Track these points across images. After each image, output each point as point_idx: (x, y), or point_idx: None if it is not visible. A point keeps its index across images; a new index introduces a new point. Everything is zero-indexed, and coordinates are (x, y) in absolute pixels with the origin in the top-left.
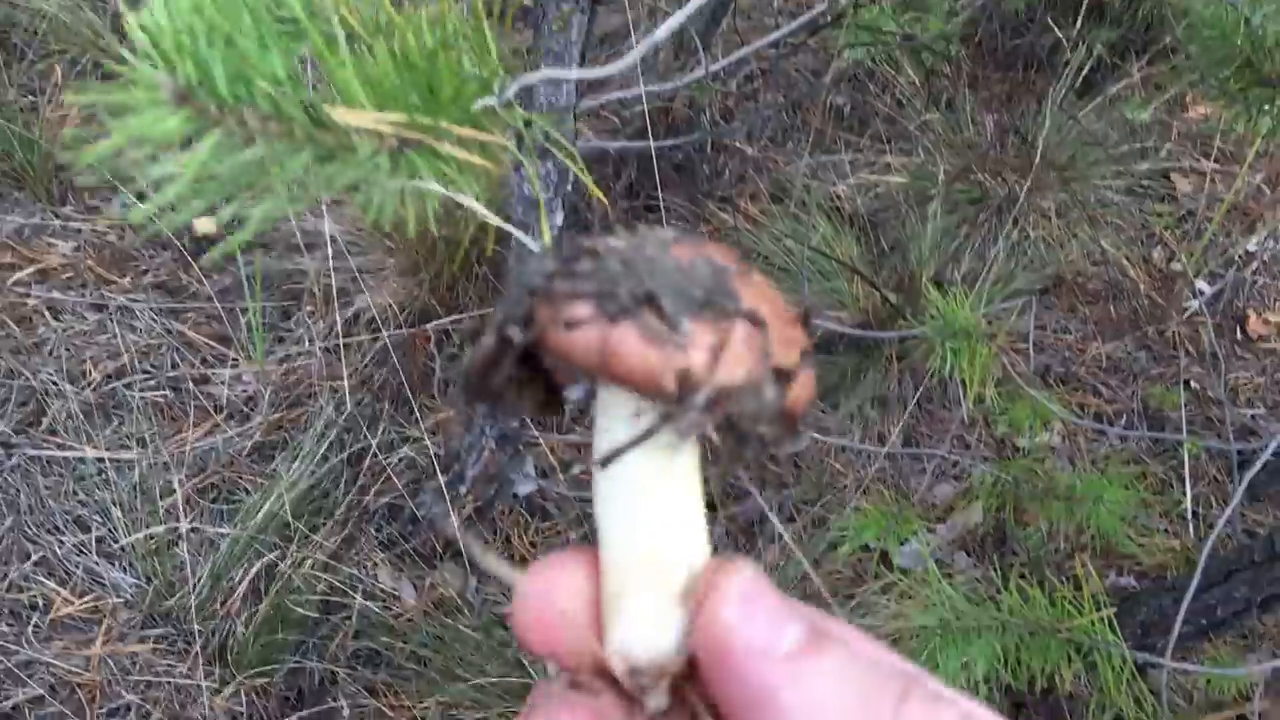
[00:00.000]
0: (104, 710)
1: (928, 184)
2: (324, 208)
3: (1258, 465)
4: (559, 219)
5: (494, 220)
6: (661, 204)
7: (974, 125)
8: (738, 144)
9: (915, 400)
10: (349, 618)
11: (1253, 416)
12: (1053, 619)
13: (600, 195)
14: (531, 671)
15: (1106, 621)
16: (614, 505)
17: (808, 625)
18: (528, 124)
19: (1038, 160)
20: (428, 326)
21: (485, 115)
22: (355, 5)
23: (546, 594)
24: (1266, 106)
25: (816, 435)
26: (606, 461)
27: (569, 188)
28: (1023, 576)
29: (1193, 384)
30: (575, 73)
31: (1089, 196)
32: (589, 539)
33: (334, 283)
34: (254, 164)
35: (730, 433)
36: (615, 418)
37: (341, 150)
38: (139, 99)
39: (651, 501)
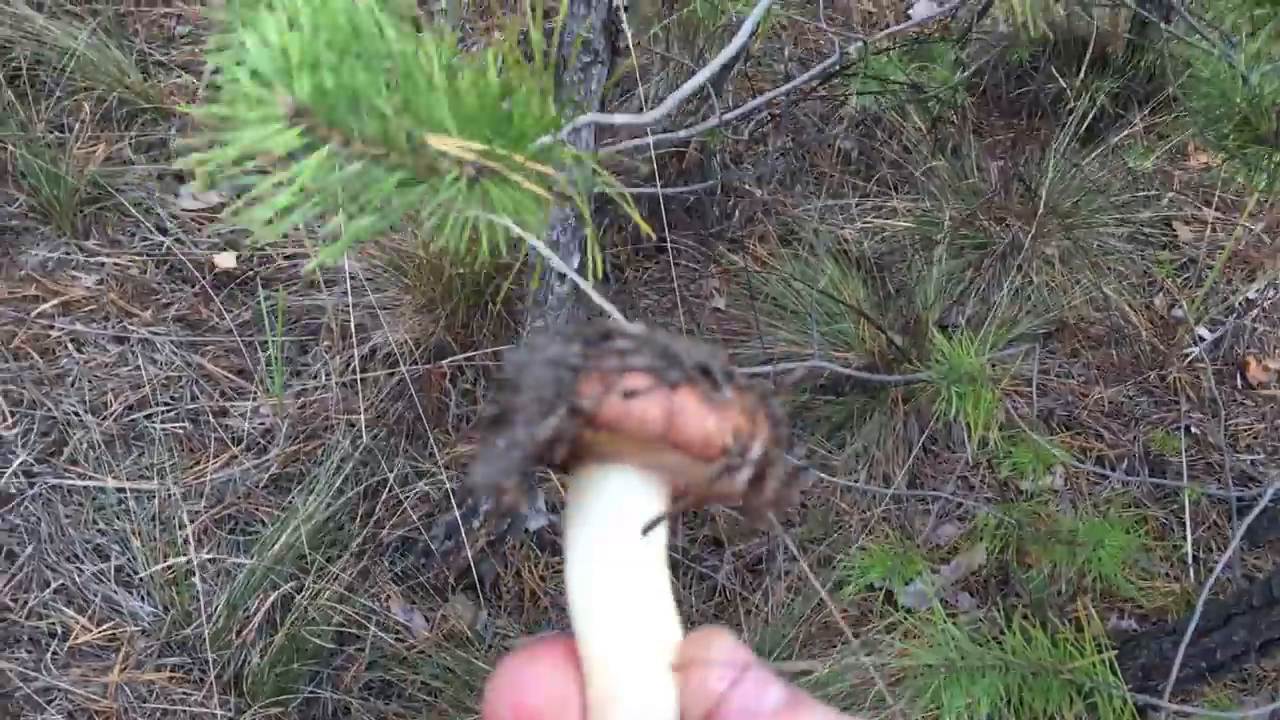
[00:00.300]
0: None
1: (933, 229)
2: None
3: (1256, 510)
4: (575, 261)
5: (545, 251)
6: (670, 245)
7: (979, 171)
8: (747, 186)
9: (920, 443)
10: (363, 649)
11: (1252, 462)
12: (1055, 660)
13: (646, 229)
14: None
15: (1108, 663)
16: (602, 596)
17: (784, 687)
18: (578, 161)
19: (1041, 207)
20: (443, 363)
21: (545, 152)
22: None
23: (518, 691)
24: (1264, 163)
25: (823, 475)
26: (648, 529)
27: (586, 231)
28: (1025, 618)
29: (1193, 429)
30: (621, 118)
31: (1092, 243)
32: None
33: (352, 318)
34: (354, 180)
35: (756, 490)
36: (603, 506)
37: (428, 173)
38: (249, 115)
39: (640, 586)
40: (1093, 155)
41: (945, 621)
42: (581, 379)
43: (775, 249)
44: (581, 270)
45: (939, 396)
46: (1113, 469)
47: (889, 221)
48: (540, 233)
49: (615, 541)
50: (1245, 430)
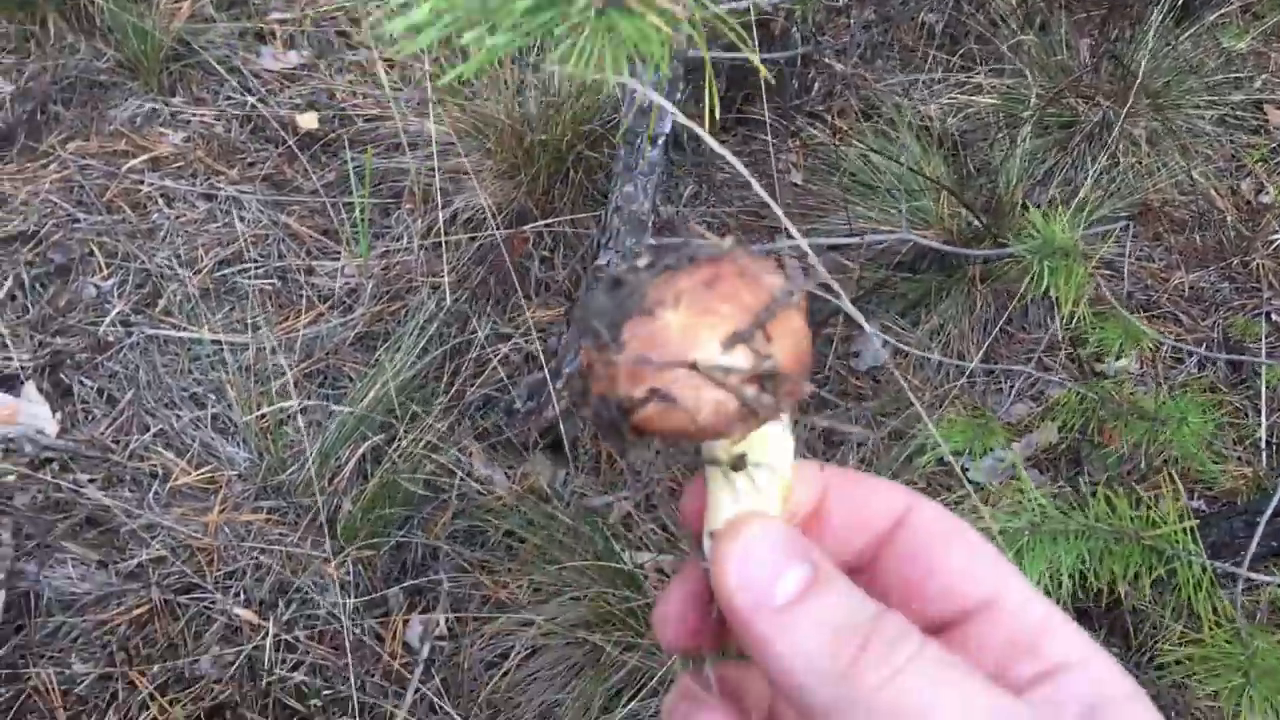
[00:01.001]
0: (221, 572)
1: (1019, 106)
2: (430, 106)
3: None
4: (667, 124)
5: (654, 96)
6: (749, 118)
7: (1068, 48)
8: (827, 60)
9: (998, 324)
10: (448, 500)
11: None
12: (1137, 527)
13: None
14: (622, 558)
15: (1189, 532)
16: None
17: (801, 576)
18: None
19: (1132, 86)
20: (525, 228)
21: None
22: None
23: (670, 609)
24: None
25: (901, 346)
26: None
27: (678, 95)
28: (1108, 487)
29: (1274, 316)
30: None
31: (1181, 125)
32: None
33: (436, 182)
34: (487, 1)
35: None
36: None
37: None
38: None
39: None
40: (1186, 34)
41: (1032, 488)
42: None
43: (855, 124)
44: (669, 138)
45: (1026, 272)
46: (1191, 354)
47: (973, 98)
48: (663, 64)
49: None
50: None
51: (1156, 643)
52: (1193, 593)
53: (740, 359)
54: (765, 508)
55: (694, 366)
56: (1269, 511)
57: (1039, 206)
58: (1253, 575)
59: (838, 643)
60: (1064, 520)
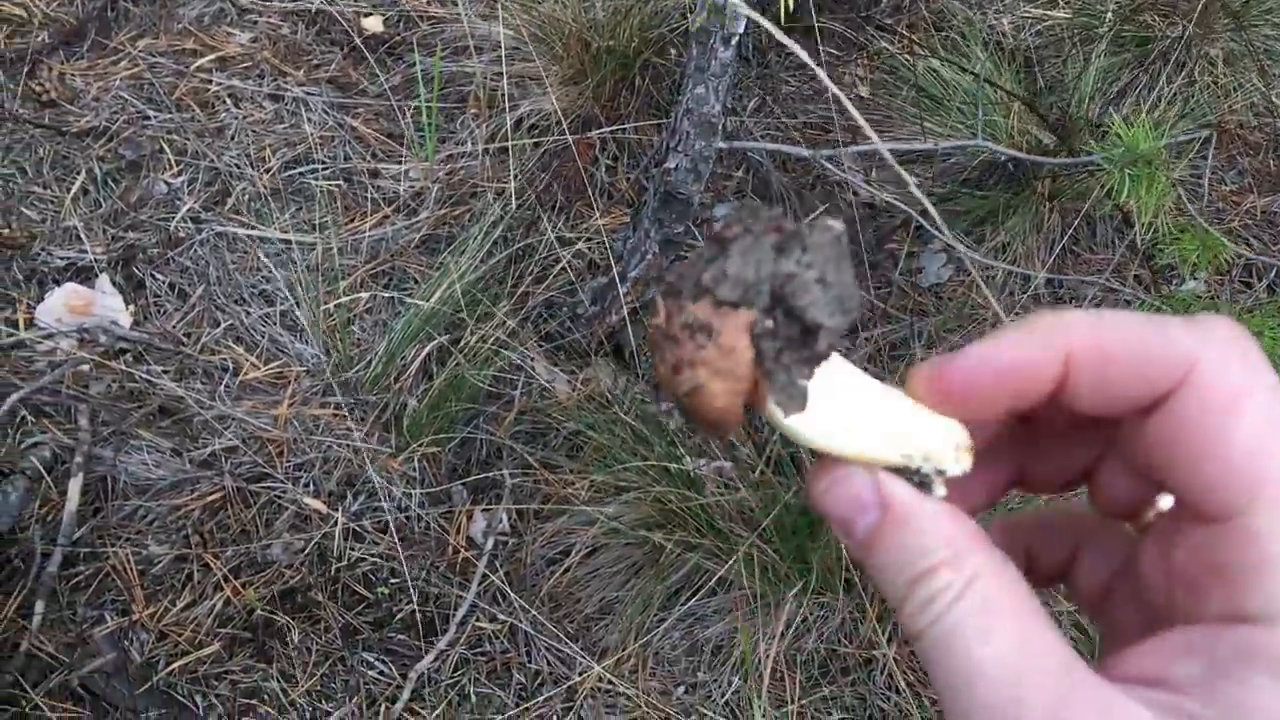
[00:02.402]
0: (291, 464)
1: (1094, 22)
2: (499, 9)
3: None
4: (741, 25)
5: None
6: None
7: None
8: None
9: (1065, 241)
10: (512, 401)
11: None
12: None
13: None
14: (674, 460)
15: None
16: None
17: (877, 512)
18: None
19: (1212, 4)
20: (591, 134)
21: None
22: None
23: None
24: None
25: (969, 255)
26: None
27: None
28: None
29: None
30: None
31: (1260, 45)
32: None
33: (503, 86)
34: None
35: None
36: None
37: None
38: None
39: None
40: None
41: None
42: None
43: (925, 37)
44: (741, 42)
45: (1102, 185)
46: (1260, 278)
47: (1048, 12)
48: None
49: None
50: None
51: None
52: None
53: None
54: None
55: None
56: None
57: (1112, 125)
58: None
59: (890, 590)
60: None
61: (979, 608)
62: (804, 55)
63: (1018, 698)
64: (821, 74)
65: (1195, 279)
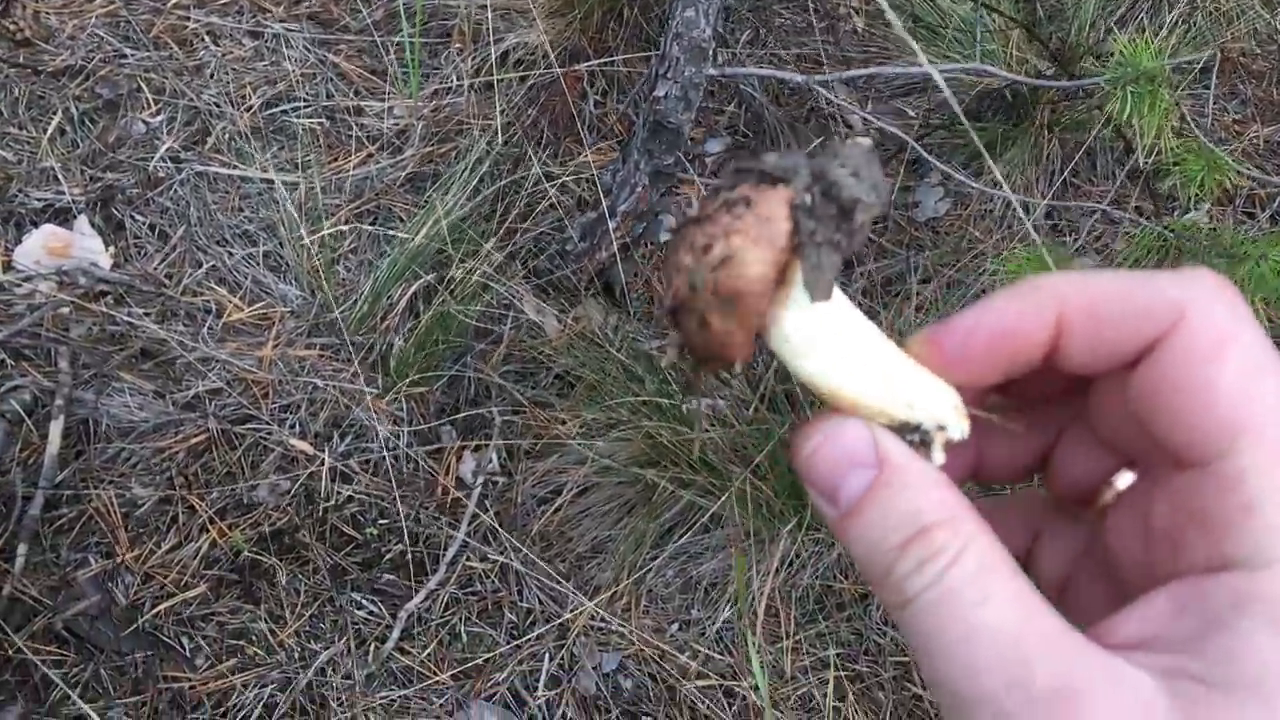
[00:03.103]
0: (276, 405)
1: None
2: None
3: None
4: None
5: None
6: None
7: None
8: None
9: (1061, 169)
10: (502, 337)
11: None
12: None
13: None
14: (667, 396)
15: None
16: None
17: (870, 473)
18: None
19: None
20: (578, 68)
21: None
22: None
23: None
24: None
25: (972, 185)
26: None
27: None
28: None
29: None
30: None
31: None
32: None
33: (487, 20)
34: None
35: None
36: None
37: None
38: None
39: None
40: None
41: None
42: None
43: None
44: None
45: (1103, 109)
46: (1263, 209)
47: None
48: None
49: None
50: None
51: None
52: None
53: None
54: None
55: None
56: None
57: (1111, 55)
58: None
59: (876, 558)
60: None
61: (975, 570)
62: None
63: (1023, 659)
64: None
65: (1197, 209)
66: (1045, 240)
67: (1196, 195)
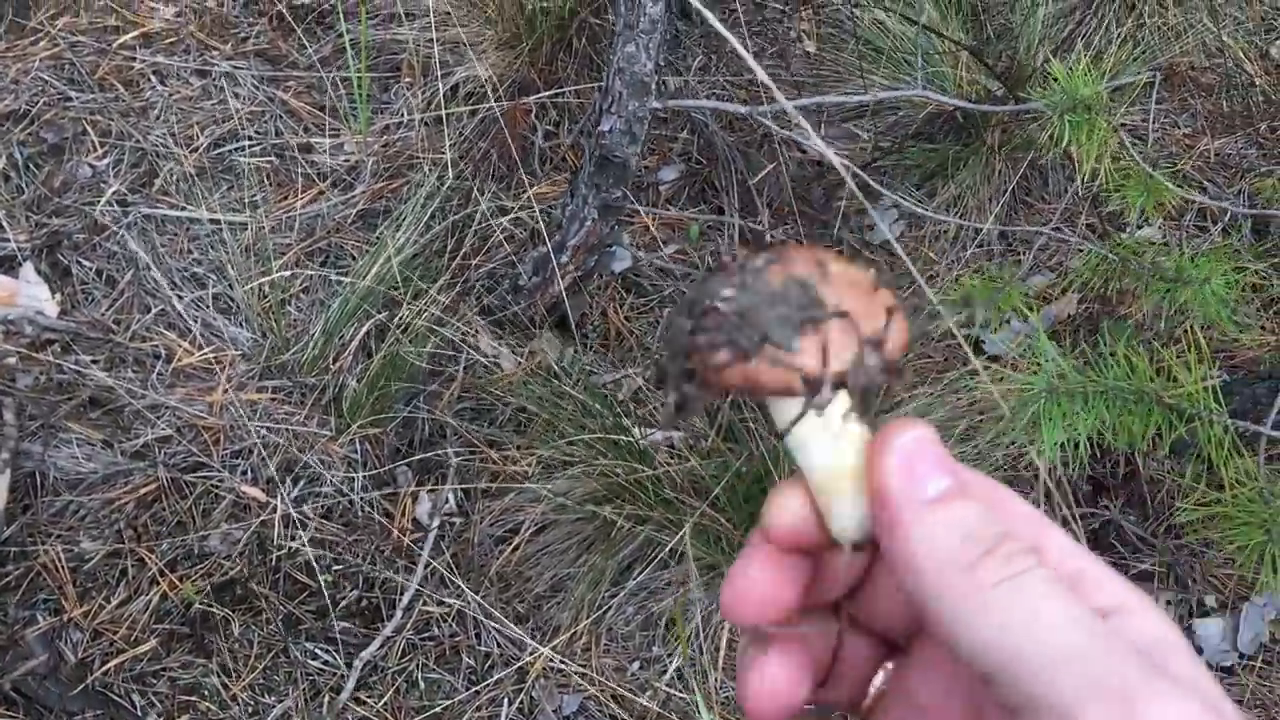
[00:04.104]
0: (228, 451)
1: None
2: None
3: None
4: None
5: None
6: None
7: None
8: None
9: (1013, 189)
10: (455, 376)
11: None
12: (1157, 387)
13: None
14: (627, 432)
15: (1210, 391)
16: (804, 453)
17: (954, 480)
18: None
19: None
20: (528, 100)
21: None
22: None
23: (745, 580)
24: None
25: (920, 212)
26: (781, 435)
27: None
28: (1129, 346)
29: None
30: None
31: None
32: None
33: (435, 53)
34: None
35: (858, 392)
36: (778, 405)
37: None
38: None
39: (824, 443)
40: None
41: (1051, 350)
42: (693, 357)
43: None
44: (678, 5)
45: (1049, 126)
46: (1215, 222)
47: None
48: None
49: (786, 429)
50: None
51: (1172, 513)
52: (1214, 451)
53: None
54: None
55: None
56: None
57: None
58: (1276, 434)
59: (967, 544)
60: (1082, 381)
61: (1050, 576)
62: (715, 23)
63: (1110, 650)
64: (735, 42)
65: (1150, 225)
66: (998, 261)
67: (1142, 215)
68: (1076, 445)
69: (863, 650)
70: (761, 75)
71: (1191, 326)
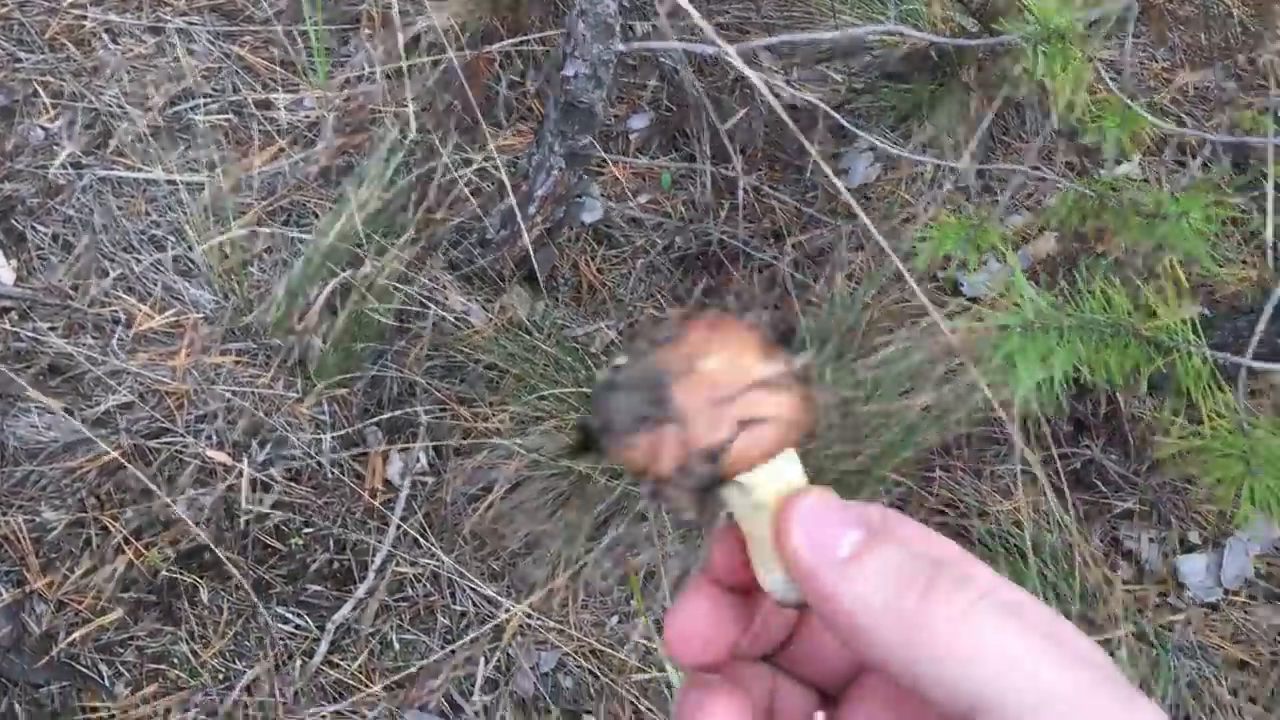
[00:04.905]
0: (192, 416)
1: None
2: None
3: None
4: None
5: None
6: None
7: None
8: None
9: (989, 128)
10: (423, 332)
11: None
12: (1135, 320)
13: None
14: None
15: (1189, 323)
16: (734, 516)
17: (864, 530)
18: None
19: None
20: (491, 49)
21: None
22: None
23: (688, 620)
24: None
25: (896, 153)
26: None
27: None
28: (1107, 280)
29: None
30: None
31: None
32: (653, 266)
33: (395, 4)
34: None
35: (685, 495)
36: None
37: None
38: None
39: (744, 510)
40: None
41: (1027, 290)
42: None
43: None
44: None
45: (1021, 59)
46: (1194, 156)
47: None
48: None
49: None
50: None
51: (1154, 450)
52: (1193, 384)
53: (783, 364)
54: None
55: (763, 383)
56: (1273, 300)
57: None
58: (1256, 364)
59: (903, 584)
60: (1058, 316)
61: (1001, 602)
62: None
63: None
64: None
65: (1129, 161)
66: (975, 201)
67: (1119, 150)
68: (1054, 382)
69: (798, 700)
70: (696, 17)
71: (1171, 262)
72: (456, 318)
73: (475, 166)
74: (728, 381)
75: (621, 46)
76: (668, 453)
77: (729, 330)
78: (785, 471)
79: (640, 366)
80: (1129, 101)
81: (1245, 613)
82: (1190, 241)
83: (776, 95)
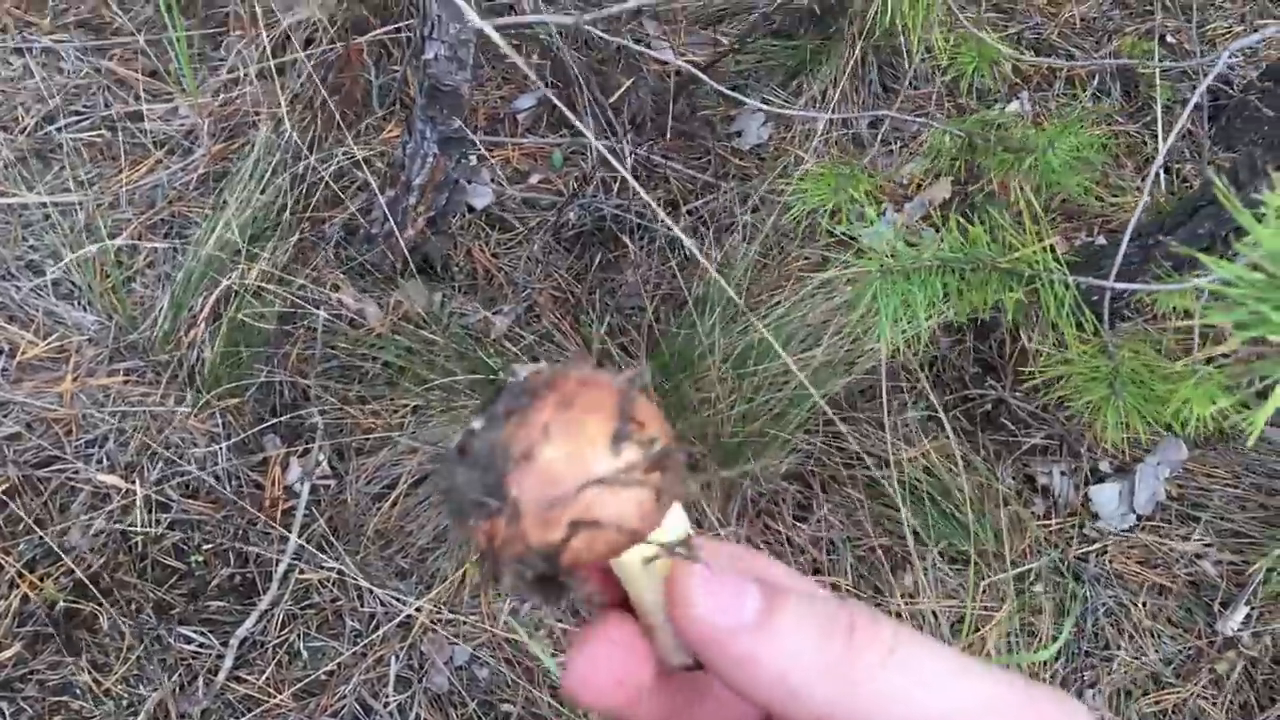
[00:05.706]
0: (81, 441)
1: None
2: None
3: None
4: None
5: None
6: None
7: None
8: None
9: (877, 78)
10: (313, 333)
11: (1230, 67)
12: (993, 255)
13: None
14: (497, 371)
15: (1048, 250)
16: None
17: (760, 589)
18: None
19: None
20: (362, 39)
21: None
22: None
23: (592, 663)
24: None
25: (786, 111)
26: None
27: None
28: (963, 216)
29: (1168, 38)
30: None
31: None
32: (549, 248)
33: (255, 3)
34: None
35: (524, 585)
36: None
37: None
38: None
39: (635, 576)
40: None
41: (889, 235)
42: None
43: None
44: None
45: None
46: (1084, 89)
47: None
48: None
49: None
50: (1223, 35)
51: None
52: (1054, 310)
53: (633, 454)
54: None
55: (601, 481)
56: (1134, 222)
57: None
58: (1117, 285)
59: (823, 634)
60: (914, 256)
61: (918, 634)
62: None
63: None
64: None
65: (1017, 99)
66: (870, 150)
67: (986, 84)
68: (919, 322)
69: None
70: None
71: (1022, 187)
72: (350, 315)
73: (352, 160)
74: (565, 476)
75: (478, 24)
76: (504, 544)
77: (585, 403)
78: (658, 532)
79: (489, 439)
80: (980, 34)
81: (1159, 536)
82: (1061, 173)
83: (663, 63)
